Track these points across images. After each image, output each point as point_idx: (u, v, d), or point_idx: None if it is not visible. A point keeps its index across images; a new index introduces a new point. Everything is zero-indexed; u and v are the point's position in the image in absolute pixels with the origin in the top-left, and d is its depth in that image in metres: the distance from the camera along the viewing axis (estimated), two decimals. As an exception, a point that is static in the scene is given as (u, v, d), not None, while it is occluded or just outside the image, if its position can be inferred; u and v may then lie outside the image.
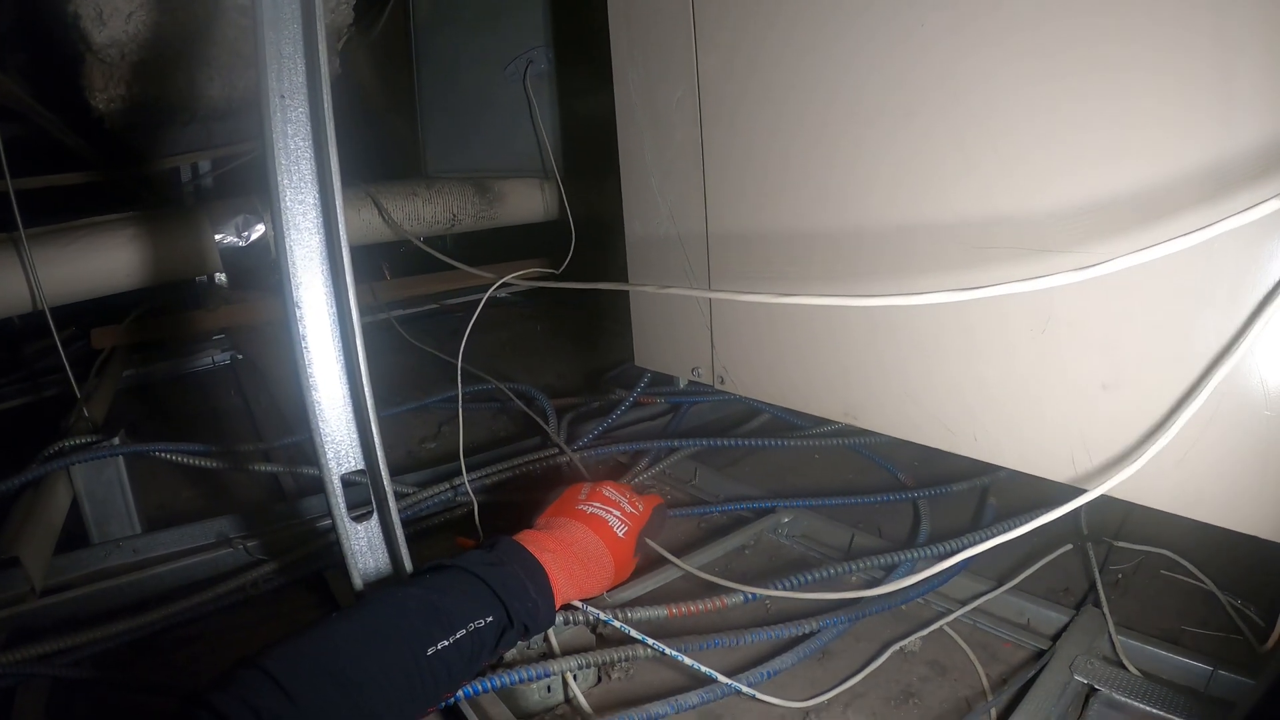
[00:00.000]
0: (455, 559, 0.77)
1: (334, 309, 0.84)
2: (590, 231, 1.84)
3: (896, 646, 0.86)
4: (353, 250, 0.83)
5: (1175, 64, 0.70)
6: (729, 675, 0.79)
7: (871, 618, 0.91)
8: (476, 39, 2.01)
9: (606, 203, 1.47)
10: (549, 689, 0.80)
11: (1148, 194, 0.74)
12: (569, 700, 0.81)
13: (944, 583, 0.95)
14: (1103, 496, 0.76)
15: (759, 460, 1.37)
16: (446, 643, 0.68)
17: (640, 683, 0.84)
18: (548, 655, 0.82)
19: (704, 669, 0.79)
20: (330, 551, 1.08)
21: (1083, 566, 0.99)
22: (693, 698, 0.77)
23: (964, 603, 0.93)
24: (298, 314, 0.82)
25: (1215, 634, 0.86)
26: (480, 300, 1.28)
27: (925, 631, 0.88)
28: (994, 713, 0.78)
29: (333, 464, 0.84)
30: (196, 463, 1.28)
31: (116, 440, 1.20)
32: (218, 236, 1.81)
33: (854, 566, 0.98)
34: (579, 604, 0.85)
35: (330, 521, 0.85)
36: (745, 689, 0.78)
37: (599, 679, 0.84)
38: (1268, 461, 0.71)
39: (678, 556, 1.00)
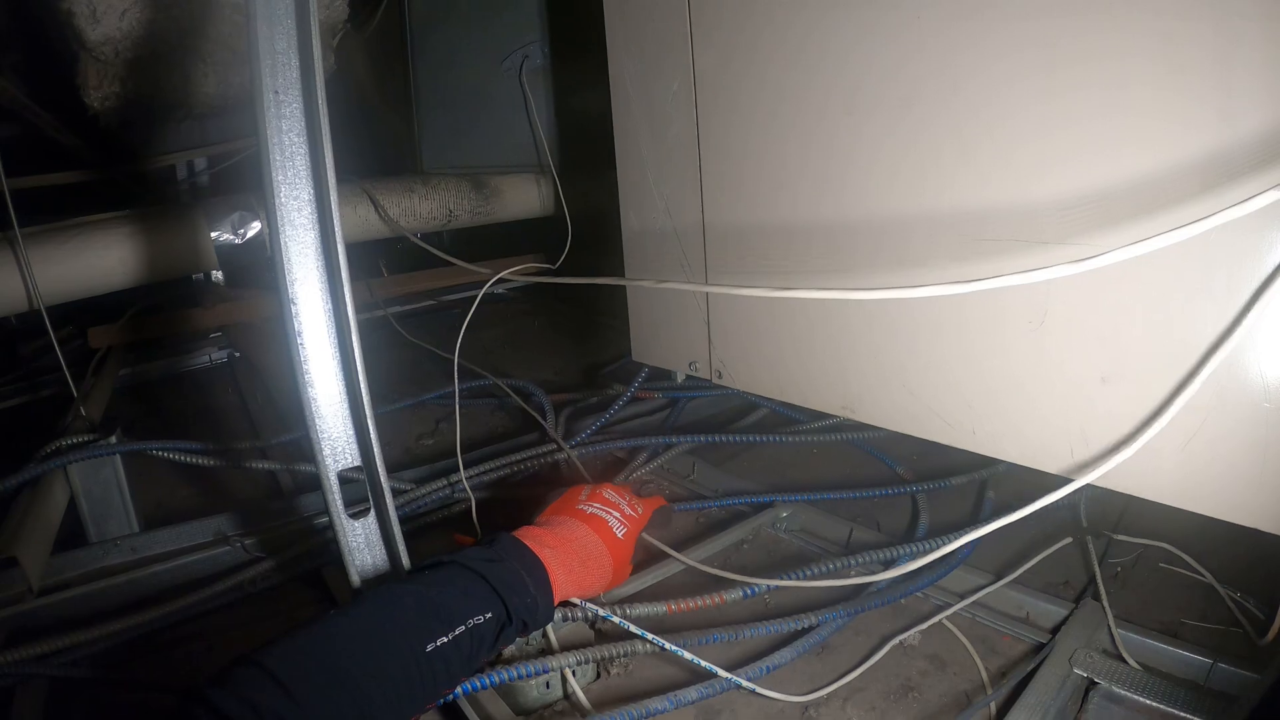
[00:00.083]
0: (454, 555, 0.77)
1: (330, 305, 0.84)
2: (587, 226, 1.83)
3: (896, 641, 0.86)
4: (349, 247, 0.83)
5: (1174, 54, 0.70)
6: (728, 670, 0.79)
7: (870, 612, 0.91)
8: (472, 34, 2.01)
9: (603, 197, 1.46)
10: (548, 685, 0.80)
11: (1145, 185, 0.73)
12: (568, 696, 0.81)
13: (943, 575, 0.95)
14: (1102, 490, 0.76)
15: (757, 455, 1.37)
16: (445, 639, 0.68)
17: (639, 678, 0.84)
18: (546, 651, 0.82)
19: (703, 664, 0.79)
20: (328, 549, 1.08)
21: (1082, 560, 0.99)
22: (692, 693, 0.77)
23: (963, 596, 0.92)
24: (293, 311, 0.82)
25: (1215, 627, 0.86)
26: (477, 296, 1.28)
27: (924, 625, 0.88)
28: (993, 706, 0.78)
29: (330, 461, 0.84)
30: (194, 461, 1.28)
31: (114, 439, 1.20)
32: (214, 234, 1.80)
33: (853, 561, 0.98)
34: (578, 600, 0.85)
35: (328, 519, 0.85)
36: (745, 684, 0.78)
37: (598, 675, 0.84)
38: (1267, 454, 0.71)
39: (677, 551, 0.99)
